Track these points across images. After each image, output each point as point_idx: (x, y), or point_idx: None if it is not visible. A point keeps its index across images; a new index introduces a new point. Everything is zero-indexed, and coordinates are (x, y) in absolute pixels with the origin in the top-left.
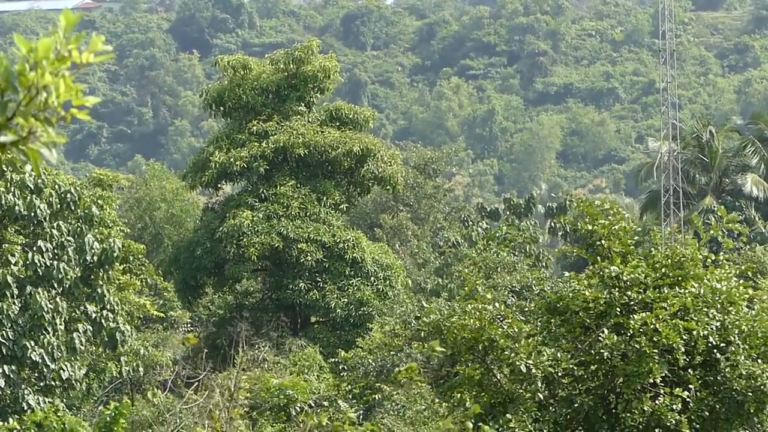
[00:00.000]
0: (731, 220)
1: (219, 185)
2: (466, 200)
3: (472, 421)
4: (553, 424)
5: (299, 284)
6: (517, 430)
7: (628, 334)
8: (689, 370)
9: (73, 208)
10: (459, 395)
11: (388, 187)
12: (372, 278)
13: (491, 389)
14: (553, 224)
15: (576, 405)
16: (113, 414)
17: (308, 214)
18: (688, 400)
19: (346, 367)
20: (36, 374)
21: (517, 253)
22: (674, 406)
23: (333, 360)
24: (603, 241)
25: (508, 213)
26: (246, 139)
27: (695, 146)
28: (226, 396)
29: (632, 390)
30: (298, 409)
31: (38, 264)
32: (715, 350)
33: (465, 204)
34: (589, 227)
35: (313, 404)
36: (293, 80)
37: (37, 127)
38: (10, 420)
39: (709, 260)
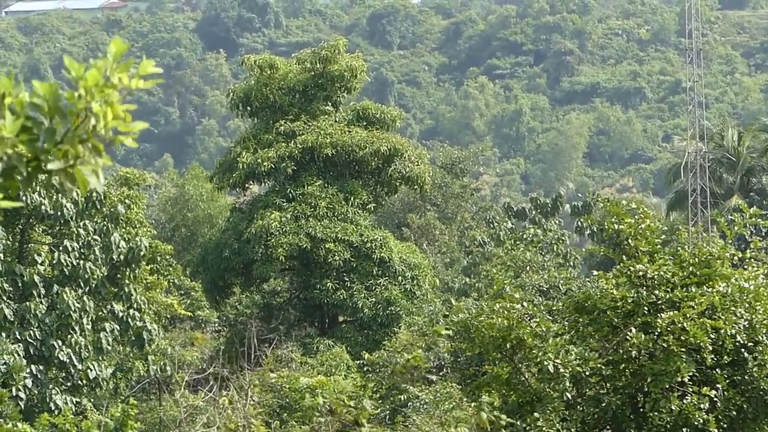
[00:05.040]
0: (754, 215)
1: (246, 186)
2: (493, 200)
3: (493, 413)
4: (581, 423)
5: (327, 284)
6: (544, 429)
7: (656, 333)
8: (717, 370)
9: (99, 207)
10: (486, 394)
11: (415, 187)
12: (399, 278)
13: (519, 388)
14: (579, 224)
15: (604, 404)
16: (121, 417)
17: (336, 213)
18: (715, 399)
19: (370, 369)
20: (63, 374)
21: (544, 252)
22: (702, 406)
23: (359, 362)
24: (630, 241)
25: (534, 212)
26: (273, 139)
27: (722, 145)
28: (242, 394)
29: (660, 389)
30: (327, 409)
31: (65, 263)
32: (742, 349)
33: (492, 204)
34: (616, 227)
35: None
36: (320, 80)
37: (84, 153)
38: (20, 424)
39: (736, 258)
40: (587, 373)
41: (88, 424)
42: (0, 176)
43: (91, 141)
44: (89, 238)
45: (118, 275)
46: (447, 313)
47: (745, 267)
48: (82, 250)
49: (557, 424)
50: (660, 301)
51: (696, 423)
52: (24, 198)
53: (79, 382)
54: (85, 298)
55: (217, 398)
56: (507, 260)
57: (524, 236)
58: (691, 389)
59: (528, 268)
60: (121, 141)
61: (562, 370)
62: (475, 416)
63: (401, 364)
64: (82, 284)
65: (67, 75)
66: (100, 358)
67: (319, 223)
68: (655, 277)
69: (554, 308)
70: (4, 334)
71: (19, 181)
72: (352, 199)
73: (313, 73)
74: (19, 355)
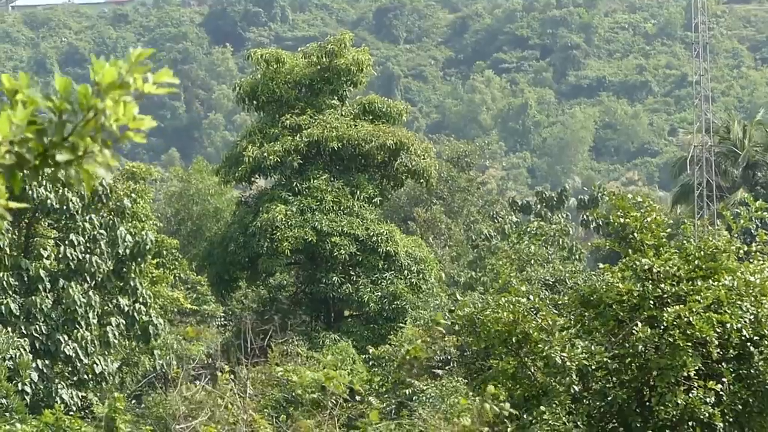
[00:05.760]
0: (760, 208)
1: (252, 179)
2: (499, 193)
3: (496, 404)
4: (587, 417)
5: (332, 278)
6: (550, 422)
7: (662, 327)
8: (723, 364)
9: (105, 201)
10: (493, 388)
11: (421, 181)
12: (405, 272)
13: (525, 382)
14: (585, 217)
15: (610, 398)
16: (109, 412)
17: (342, 207)
18: (721, 393)
19: (375, 363)
20: (69, 368)
21: (550, 246)
22: (708, 400)
23: (365, 356)
24: (636, 234)
25: (540, 206)
26: (279, 132)
27: (728, 139)
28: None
29: (666, 383)
30: (333, 404)
31: (71, 257)
32: (748, 343)
33: (498, 197)
34: (622, 220)
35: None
36: (326, 74)
37: (92, 147)
38: (18, 425)
39: (741, 252)
40: (593, 367)
41: (78, 422)
42: (7, 168)
43: (100, 136)
44: (95, 232)
45: (124, 269)
46: (453, 307)
47: (751, 260)
48: (88, 244)
49: (563, 418)
50: (666, 295)
51: (702, 417)
52: (30, 192)
53: (85, 376)
54: (90, 292)
55: (215, 392)
56: (511, 254)
57: (528, 229)
58: (696, 383)
59: (532, 261)
60: (130, 137)
61: (568, 363)
62: (479, 407)
63: (401, 355)
64: (88, 278)
65: (72, 70)
66: (106, 352)
67: (325, 217)
68: (661, 270)
69: (560, 302)
70: (10, 329)
71: (25, 173)
72: (358, 192)
73: (319, 67)
74: (25, 349)
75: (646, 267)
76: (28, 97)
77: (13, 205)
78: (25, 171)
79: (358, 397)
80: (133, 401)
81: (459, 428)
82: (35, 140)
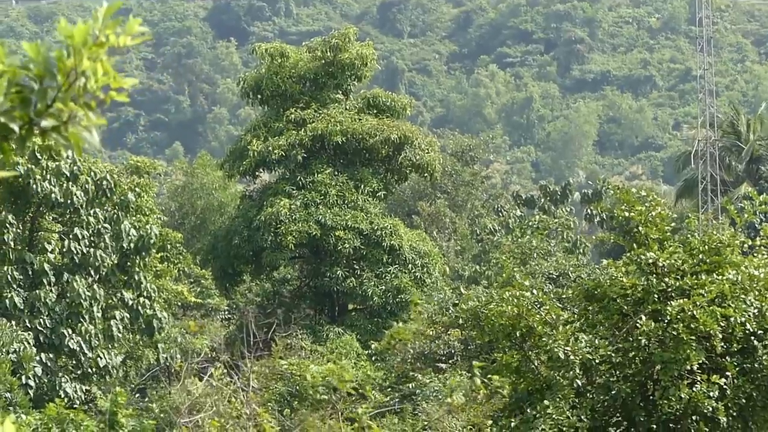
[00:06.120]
0: (764, 202)
1: (257, 173)
2: (504, 187)
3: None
4: (591, 410)
5: (336, 272)
6: (554, 416)
7: (666, 321)
8: (726, 357)
9: (109, 195)
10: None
11: (425, 175)
12: (409, 265)
13: (529, 376)
14: (589, 211)
15: (613, 392)
16: (112, 406)
17: (346, 201)
18: (725, 387)
19: (378, 358)
20: (73, 362)
21: (553, 240)
22: (711, 394)
23: (368, 352)
24: (640, 228)
25: (544, 200)
26: (284, 127)
27: (732, 133)
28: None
29: (669, 377)
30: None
31: (75, 251)
32: (752, 337)
33: (502, 191)
34: (626, 214)
35: (353, 392)
36: (330, 68)
37: (77, 111)
38: (24, 416)
39: (745, 246)
40: (597, 361)
41: (81, 416)
42: None
43: (83, 99)
44: (99, 226)
45: (128, 263)
46: (457, 301)
47: (755, 254)
48: (92, 238)
49: (567, 412)
50: (670, 289)
51: (705, 411)
52: (34, 186)
53: (89, 370)
54: (95, 286)
55: (220, 386)
56: (514, 248)
57: (530, 223)
58: (700, 377)
59: (535, 255)
60: (113, 97)
61: (572, 357)
62: (470, 381)
63: (389, 335)
64: (92, 272)
65: (60, 38)
66: (110, 346)
67: (329, 211)
68: (665, 264)
69: (564, 296)
70: (14, 322)
71: (12, 143)
72: (362, 186)
73: (323, 61)
74: (29, 343)
75: (651, 261)
76: (8, 66)
77: (2, 174)
78: (11, 141)
79: (361, 391)
80: (137, 395)
81: (463, 421)
82: (19, 110)
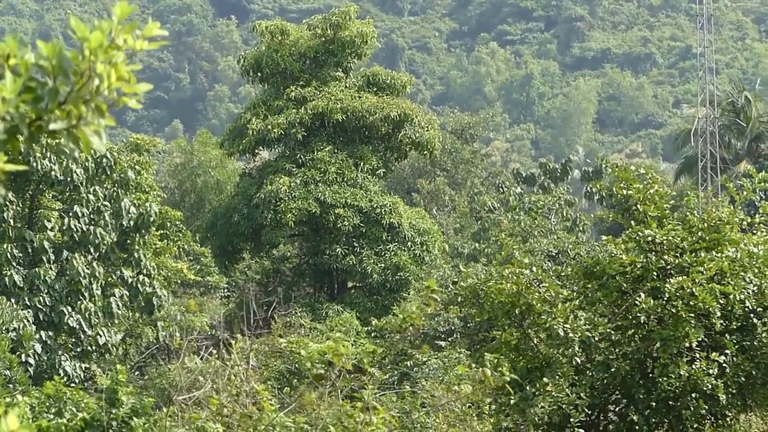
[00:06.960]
0: (763, 180)
1: (256, 151)
2: (503, 165)
3: (496, 370)
4: (590, 388)
5: (336, 249)
6: (554, 393)
7: (665, 299)
8: (726, 335)
9: (109, 172)
10: (496, 360)
11: (425, 152)
12: (409, 243)
13: (528, 354)
14: (589, 189)
15: (613, 369)
16: (112, 383)
17: (345, 179)
18: (724, 365)
19: (378, 335)
20: (73, 340)
21: (553, 218)
22: (711, 371)
23: (368, 328)
24: (639, 206)
25: (543, 178)
26: (284, 105)
27: (731, 111)
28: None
29: (669, 354)
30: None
31: (74, 229)
32: (751, 315)
33: (502, 169)
34: (625, 192)
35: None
36: (331, 46)
37: (87, 113)
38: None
39: (744, 223)
40: (596, 339)
41: (81, 394)
42: (3, 134)
43: (95, 101)
44: (99, 204)
45: (128, 241)
46: (456, 279)
47: (754, 232)
48: (92, 216)
49: (566, 389)
50: (669, 267)
51: (705, 388)
52: (34, 164)
53: (89, 348)
54: (94, 263)
55: (220, 362)
56: (512, 226)
57: (528, 201)
58: (699, 355)
59: (536, 233)
60: (126, 102)
61: (571, 335)
62: (479, 373)
63: (398, 322)
64: (92, 250)
65: (73, 36)
66: (110, 324)
67: (328, 189)
68: (664, 242)
69: (563, 274)
70: (13, 300)
71: (21, 141)
72: (361, 164)
73: (323, 39)
74: (28, 321)
75: (650, 238)
76: (22, 60)
77: (10, 167)
78: (20, 138)
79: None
80: (137, 372)
81: (461, 399)
82: (30, 108)
